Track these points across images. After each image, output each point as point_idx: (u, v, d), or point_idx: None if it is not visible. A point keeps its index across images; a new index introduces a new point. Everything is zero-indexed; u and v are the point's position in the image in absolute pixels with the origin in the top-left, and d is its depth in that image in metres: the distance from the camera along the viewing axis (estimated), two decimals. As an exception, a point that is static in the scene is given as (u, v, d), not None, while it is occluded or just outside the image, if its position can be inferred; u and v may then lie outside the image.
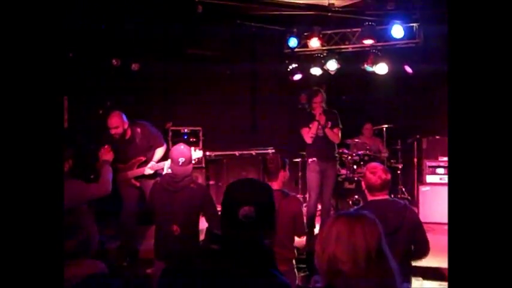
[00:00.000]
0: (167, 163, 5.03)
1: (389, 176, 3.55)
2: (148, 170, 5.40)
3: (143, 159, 5.47)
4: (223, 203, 1.99)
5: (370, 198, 3.57)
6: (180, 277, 1.81)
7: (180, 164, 4.23)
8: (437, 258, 5.32)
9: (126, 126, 5.40)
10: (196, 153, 5.20)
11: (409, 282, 3.62)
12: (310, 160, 6.39)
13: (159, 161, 5.50)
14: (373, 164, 3.75)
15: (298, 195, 7.09)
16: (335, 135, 6.38)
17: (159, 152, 5.51)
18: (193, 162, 4.44)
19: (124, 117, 5.41)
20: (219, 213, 4.56)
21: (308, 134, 6.35)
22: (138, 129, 5.50)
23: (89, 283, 2.27)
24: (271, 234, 2.00)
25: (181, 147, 4.38)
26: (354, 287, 1.67)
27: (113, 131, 5.31)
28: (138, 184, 5.48)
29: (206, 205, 4.33)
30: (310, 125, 6.32)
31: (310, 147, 6.43)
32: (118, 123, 5.32)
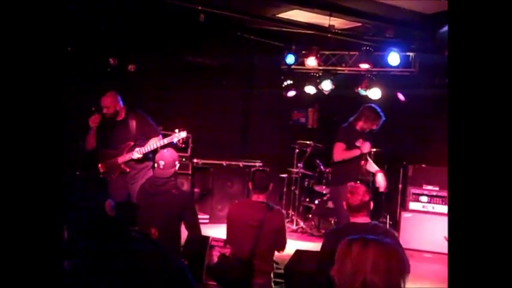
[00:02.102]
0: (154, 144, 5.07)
1: (367, 198, 3.55)
2: (136, 154, 5.38)
3: (131, 143, 5.46)
4: None
5: (351, 219, 3.60)
6: None
7: (161, 167, 4.28)
8: (414, 284, 5.40)
9: (119, 107, 5.46)
10: (180, 134, 5.22)
11: None
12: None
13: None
14: (355, 184, 3.77)
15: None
16: None
17: (153, 142, 5.48)
18: (177, 163, 4.45)
19: (119, 98, 5.48)
20: (199, 222, 4.59)
21: (345, 154, 5.75)
22: (134, 114, 5.53)
23: None
24: None
25: (164, 151, 4.45)
26: None
27: (104, 110, 5.40)
28: (128, 169, 5.46)
29: (185, 213, 4.34)
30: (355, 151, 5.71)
31: (350, 167, 5.79)
32: (110, 103, 5.39)
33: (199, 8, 6.67)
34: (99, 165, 5.52)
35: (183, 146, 6.68)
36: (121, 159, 5.44)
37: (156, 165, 4.40)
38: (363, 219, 3.55)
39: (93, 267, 1.88)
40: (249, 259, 4.02)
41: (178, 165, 4.49)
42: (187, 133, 5.79)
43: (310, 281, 3.66)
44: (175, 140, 5.20)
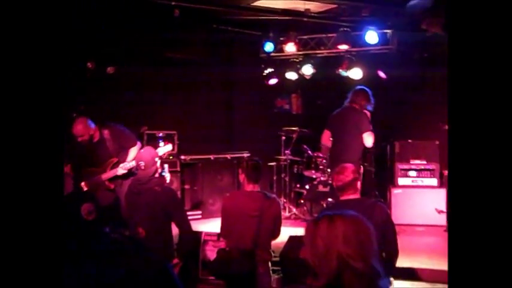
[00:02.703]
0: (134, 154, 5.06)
1: (351, 176, 3.62)
2: (120, 170, 5.35)
3: (115, 160, 5.43)
4: None
5: (340, 198, 3.65)
6: None
7: (142, 167, 4.27)
8: (408, 258, 5.45)
9: (92, 131, 5.38)
10: (165, 148, 5.21)
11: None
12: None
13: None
14: (343, 164, 3.81)
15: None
16: None
17: (133, 151, 5.47)
18: (157, 159, 4.43)
19: (89, 122, 5.39)
20: (187, 217, 4.58)
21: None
22: (107, 131, 5.46)
23: None
24: None
25: (142, 151, 4.45)
26: (359, 283, 1.76)
27: (79, 139, 5.31)
28: (112, 186, 5.44)
29: (171, 209, 4.31)
30: None
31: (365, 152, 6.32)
32: (83, 131, 5.31)
33: (173, 3, 6.62)
34: (82, 184, 5.45)
35: (170, 158, 6.75)
36: (105, 176, 5.39)
37: (138, 167, 4.39)
38: (351, 196, 3.59)
39: (69, 272, 1.87)
40: (252, 249, 4.04)
41: (159, 162, 4.45)
42: (173, 131, 5.88)
43: (306, 265, 3.70)
44: (160, 153, 5.16)
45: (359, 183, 3.69)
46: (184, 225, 4.35)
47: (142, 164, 4.28)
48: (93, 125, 5.39)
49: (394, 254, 3.63)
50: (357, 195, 3.65)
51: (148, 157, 4.35)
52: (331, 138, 6.58)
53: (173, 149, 7.81)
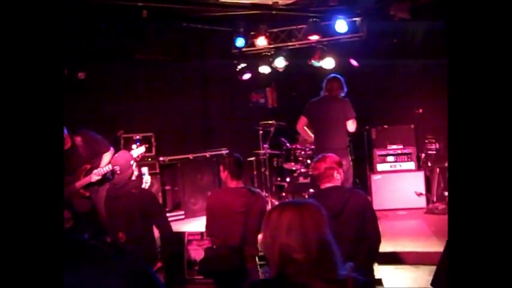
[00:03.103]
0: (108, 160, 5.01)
1: (327, 165, 3.67)
2: (94, 177, 5.29)
3: (88, 167, 5.35)
4: None
5: (321, 187, 3.70)
6: None
7: (118, 172, 4.24)
8: (391, 243, 5.52)
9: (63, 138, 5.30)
10: (138, 150, 5.16)
11: (364, 268, 3.67)
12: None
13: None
14: (324, 154, 3.86)
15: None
16: None
17: (106, 157, 5.40)
18: (133, 162, 4.39)
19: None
20: (167, 218, 4.55)
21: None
22: (79, 138, 5.37)
23: None
24: None
25: (116, 155, 4.41)
26: (306, 274, 1.73)
27: None
28: (87, 194, 5.37)
29: (150, 211, 4.27)
30: None
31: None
32: None
33: (140, 4, 6.56)
34: None
35: (148, 160, 6.71)
36: (79, 184, 5.31)
37: (113, 172, 4.35)
38: (327, 184, 3.67)
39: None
40: (240, 246, 4.04)
41: (135, 164, 4.41)
42: (149, 132, 5.86)
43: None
44: (134, 156, 5.10)
45: (336, 173, 3.71)
46: (165, 227, 4.32)
47: (117, 168, 4.24)
48: (65, 132, 5.31)
49: (375, 239, 3.66)
50: (333, 183, 3.68)
51: (123, 161, 4.31)
52: (305, 127, 6.71)
53: (151, 151, 7.76)
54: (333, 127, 6.30)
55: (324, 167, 3.67)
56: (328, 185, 3.68)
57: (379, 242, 3.71)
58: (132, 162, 4.34)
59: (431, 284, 2.22)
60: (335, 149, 6.19)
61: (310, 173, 7.53)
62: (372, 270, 3.76)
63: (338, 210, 3.50)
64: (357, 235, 3.55)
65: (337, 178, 3.72)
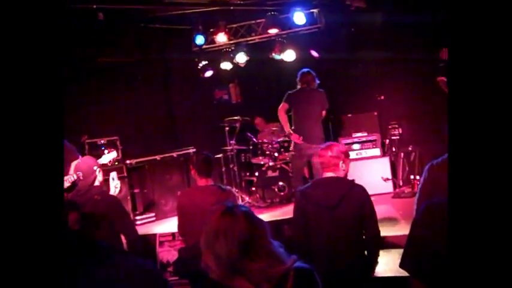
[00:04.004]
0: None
1: (335, 153, 3.58)
2: (65, 183, 5.19)
3: None
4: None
5: (322, 175, 3.65)
6: None
7: (81, 178, 4.16)
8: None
9: None
10: (109, 155, 5.10)
11: (363, 257, 3.59)
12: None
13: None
14: (329, 142, 3.81)
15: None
16: None
17: (74, 164, 5.31)
18: (96, 168, 4.32)
19: None
20: (132, 223, 4.47)
21: None
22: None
23: None
24: None
25: (79, 161, 4.32)
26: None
27: None
28: None
29: (113, 217, 4.18)
30: None
31: None
32: None
33: (95, 6, 6.45)
34: None
35: (116, 164, 6.64)
36: None
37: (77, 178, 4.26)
38: (330, 173, 3.60)
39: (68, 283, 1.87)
40: None
41: (98, 169, 4.33)
42: (114, 136, 5.80)
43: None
44: (105, 161, 5.02)
45: (341, 163, 3.61)
46: (130, 233, 4.22)
47: (80, 174, 4.17)
48: None
49: (375, 234, 3.57)
50: (335, 174, 3.60)
51: (84, 166, 4.22)
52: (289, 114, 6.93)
53: (118, 155, 7.66)
54: (314, 116, 6.73)
55: (329, 155, 3.56)
56: (329, 174, 3.58)
57: (379, 236, 3.61)
58: (95, 167, 4.26)
59: (400, 266, 2.26)
60: (317, 136, 6.60)
61: (278, 166, 7.58)
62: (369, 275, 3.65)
63: (335, 202, 3.43)
64: (353, 232, 3.46)
65: (342, 169, 3.62)
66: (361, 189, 3.65)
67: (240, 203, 3.59)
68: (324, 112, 6.84)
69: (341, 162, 3.61)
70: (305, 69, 6.95)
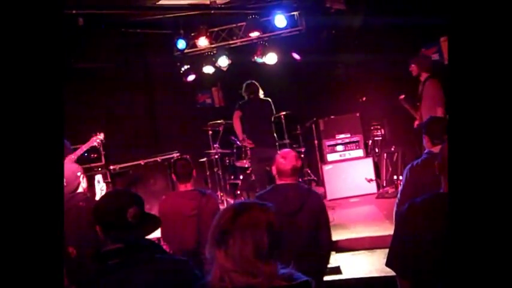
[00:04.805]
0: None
1: (299, 163, 3.60)
2: None
3: None
4: (100, 218, 2.23)
5: (278, 182, 3.63)
6: None
7: (64, 184, 4.11)
8: (347, 230, 5.66)
9: None
10: (98, 137, 5.17)
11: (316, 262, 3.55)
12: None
13: None
14: (286, 150, 3.80)
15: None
16: None
17: (68, 160, 5.28)
18: (80, 174, 4.28)
19: None
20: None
21: None
22: None
23: None
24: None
25: None
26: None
27: None
28: None
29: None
30: None
31: None
32: None
33: (74, 11, 6.39)
34: None
35: (99, 169, 6.68)
36: None
37: None
38: (288, 180, 3.57)
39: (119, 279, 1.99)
40: (195, 249, 3.99)
41: (81, 175, 4.28)
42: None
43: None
44: (95, 143, 5.08)
45: (297, 171, 3.61)
46: None
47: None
48: None
49: (328, 239, 3.60)
50: (294, 181, 3.61)
51: (69, 172, 4.17)
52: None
53: (100, 160, 7.60)
54: (267, 124, 7.03)
55: (293, 164, 3.53)
56: (287, 181, 3.57)
57: (331, 239, 3.65)
58: (78, 173, 4.22)
59: (386, 264, 2.29)
60: (272, 144, 6.90)
61: (268, 168, 7.58)
62: (321, 274, 3.66)
63: (297, 208, 3.43)
64: (310, 236, 3.46)
65: (298, 175, 3.67)
66: (318, 196, 3.68)
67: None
68: (272, 118, 7.16)
69: (297, 169, 3.61)
70: (249, 81, 7.28)
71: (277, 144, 7.13)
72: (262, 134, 6.98)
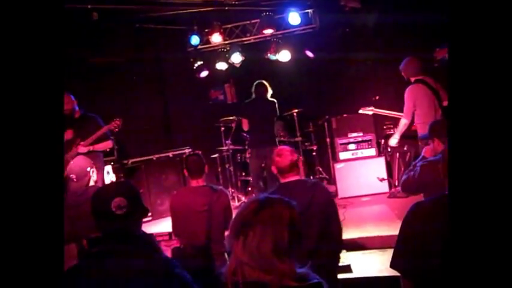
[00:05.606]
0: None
1: (295, 156, 3.63)
2: (82, 148, 5.82)
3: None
4: (92, 207, 2.23)
5: (282, 180, 3.65)
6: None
7: (75, 180, 4.13)
8: (358, 229, 5.64)
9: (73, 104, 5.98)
10: (115, 123, 5.92)
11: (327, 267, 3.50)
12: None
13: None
14: (280, 147, 3.82)
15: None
16: None
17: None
18: (89, 169, 4.30)
19: (71, 96, 5.97)
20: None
21: None
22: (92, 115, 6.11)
23: None
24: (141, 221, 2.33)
25: (71, 162, 4.28)
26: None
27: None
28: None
29: None
30: None
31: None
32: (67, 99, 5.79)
33: (89, 6, 6.43)
34: None
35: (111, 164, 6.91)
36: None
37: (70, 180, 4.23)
38: (292, 178, 3.60)
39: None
40: (206, 244, 4.01)
41: (92, 170, 4.30)
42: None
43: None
44: (112, 127, 5.93)
45: (300, 164, 3.71)
46: None
47: (73, 176, 4.14)
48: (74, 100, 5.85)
49: (339, 231, 3.60)
50: (298, 177, 3.66)
51: (77, 168, 4.18)
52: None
53: (113, 155, 7.64)
54: (268, 124, 7.08)
55: (290, 159, 3.58)
56: (293, 178, 3.60)
57: (341, 233, 3.65)
58: (88, 168, 4.24)
59: (391, 266, 2.28)
60: (270, 143, 6.88)
61: (263, 165, 7.57)
62: (334, 270, 3.68)
63: (306, 204, 3.42)
64: (321, 230, 3.46)
65: (300, 169, 3.70)
66: (325, 188, 3.73)
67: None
68: (274, 119, 7.25)
69: (295, 162, 3.63)
70: (259, 81, 7.28)
71: (276, 144, 7.06)
72: (262, 134, 7.01)
